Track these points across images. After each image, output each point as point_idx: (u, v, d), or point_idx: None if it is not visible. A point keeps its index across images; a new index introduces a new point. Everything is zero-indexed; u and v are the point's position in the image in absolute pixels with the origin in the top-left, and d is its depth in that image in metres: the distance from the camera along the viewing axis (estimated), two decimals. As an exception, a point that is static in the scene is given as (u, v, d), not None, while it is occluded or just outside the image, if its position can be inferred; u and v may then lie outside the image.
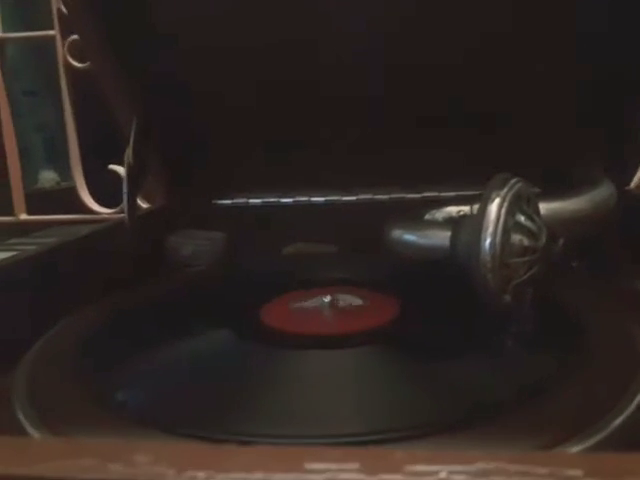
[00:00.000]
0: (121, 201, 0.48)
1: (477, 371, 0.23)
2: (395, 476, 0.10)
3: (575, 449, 0.18)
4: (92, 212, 0.86)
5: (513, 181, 0.23)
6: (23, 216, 0.88)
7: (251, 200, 0.56)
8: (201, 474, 0.11)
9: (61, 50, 0.78)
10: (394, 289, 0.32)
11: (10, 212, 0.90)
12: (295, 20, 0.44)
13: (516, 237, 0.23)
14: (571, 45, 0.38)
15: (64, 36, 0.76)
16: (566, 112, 0.39)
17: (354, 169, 0.52)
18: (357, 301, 0.32)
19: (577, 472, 0.10)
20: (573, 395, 0.21)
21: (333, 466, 0.11)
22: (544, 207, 0.31)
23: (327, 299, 0.31)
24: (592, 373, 0.22)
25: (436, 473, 0.11)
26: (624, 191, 0.45)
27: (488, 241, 0.22)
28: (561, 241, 0.40)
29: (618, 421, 0.19)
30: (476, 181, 0.41)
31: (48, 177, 1.16)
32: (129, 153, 0.44)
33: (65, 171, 1.02)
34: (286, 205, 0.56)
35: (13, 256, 0.35)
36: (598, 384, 0.22)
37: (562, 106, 0.38)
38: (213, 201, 0.56)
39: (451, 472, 0.11)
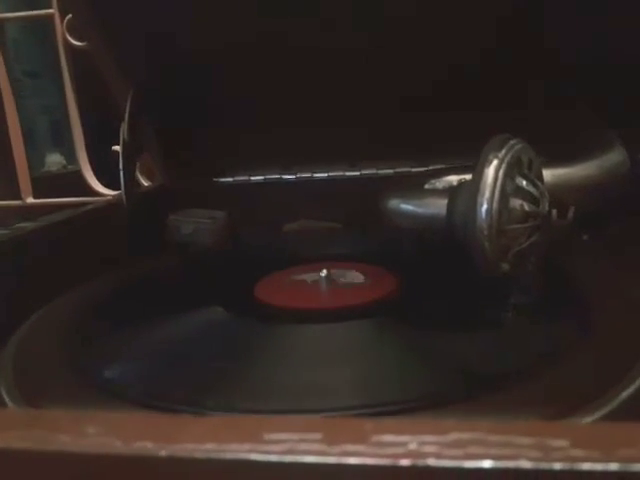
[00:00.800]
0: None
1: (477, 343, 0.22)
2: (359, 447, 0.09)
3: (585, 420, 0.17)
4: (98, 194, 0.85)
5: (512, 142, 0.22)
6: (29, 200, 0.88)
7: (252, 177, 0.55)
8: (149, 444, 0.10)
9: (60, 28, 0.77)
10: (393, 264, 0.31)
11: (17, 196, 0.89)
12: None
13: (516, 202, 0.21)
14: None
15: (63, 14, 0.75)
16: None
17: (357, 143, 0.51)
18: (355, 276, 0.31)
19: (563, 443, 0.09)
20: (579, 367, 0.20)
21: (293, 436, 0.10)
22: (550, 173, 0.30)
23: (323, 274, 0.30)
24: (600, 344, 0.21)
25: (405, 444, 0.10)
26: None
27: (484, 207, 0.21)
28: (571, 211, 0.38)
29: (627, 392, 0.18)
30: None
31: (55, 160, 1.16)
32: (124, 129, 0.43)
33: (72, 154, 1.01)
34: (288, 181, 0.54)
35: (9, 232, 0.35)
36: (606, 355, 0.20)
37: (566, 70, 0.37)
38: (214, 179, 0.55)
39: (422, 443, 0.10)
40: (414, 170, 0.51)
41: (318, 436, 0.10)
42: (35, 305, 0.30)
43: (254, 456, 0.09)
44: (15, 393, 0.20)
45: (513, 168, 0.21)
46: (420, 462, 0.09)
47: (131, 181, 0.44)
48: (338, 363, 0.22)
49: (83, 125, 0.91)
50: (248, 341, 0.24)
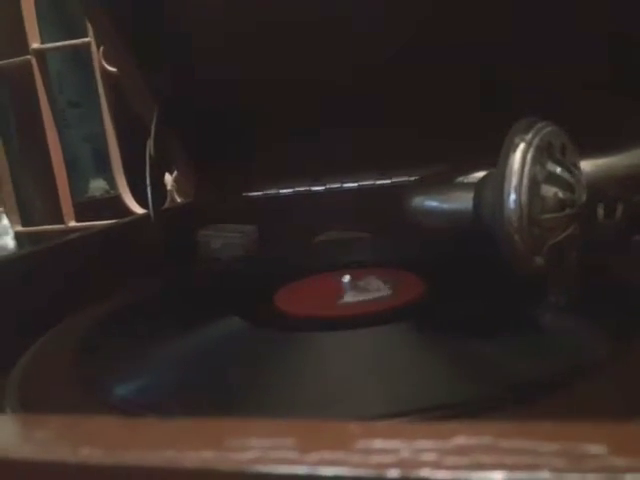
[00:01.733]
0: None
1: (512, 348, 0.20)
2: (339, 454, 0.08)
3: None
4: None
5: (540, 125, 0.20)
6: (72, 223, 0.90)
7: (282, 190, 0.54)
8: (98, 451, 0.08)
9: (97, 56, 0.79)
10: (421, 269, 0.29)
11: (61, 220, 0.92)
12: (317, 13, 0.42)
13: (549, 189, 0.19)
14: None
15: (99, 42, 0.77)
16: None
17: (387, 151, 0.49)
18: (379, 282, 0.29)
19: (599, 449, 0.07)
20: (625, 379, 0.17)
21: (263, 442, 0.08)
22: (591, 163, 0.27)
23: (346, 279, 0.28)
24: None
25: (396, 451, 0.08)
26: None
27: (512, 196, 0.19)
28: (620, 208, 0.35)
29: None
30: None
31: (98, 186, 1.19)
32: (150, 145, 0.43)
33: (114, 179, 1.04)
34: (317, 193, 0.53)
35: (30, 248, 0.35)
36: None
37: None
38: (244, 193, 0.55)
39: (417, 450, 0.08)
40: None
41: (291, 442, 0.08)
42: (57, 318, 0.30)
43: (216, 465, 0.08)
44: (18, 406, 0.19)
45: (543, 152, 0.19)
46: (413, 473, 0.07)
47: (158, 196, 0.44)
48: (364, 371, 0.20)
49: (125, 151, 0.94)
50: (267, 351, 0.23)
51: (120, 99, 0.86)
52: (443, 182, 0.26)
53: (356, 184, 0.52)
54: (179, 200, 0.69)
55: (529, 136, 0.19)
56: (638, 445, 0.07)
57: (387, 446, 0.08)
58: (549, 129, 0.20)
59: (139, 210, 0.90)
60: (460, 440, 0.08)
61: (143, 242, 0.43)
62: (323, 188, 0.53)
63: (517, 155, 0.19)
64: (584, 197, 0.21)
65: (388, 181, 0.51)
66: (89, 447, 0.09)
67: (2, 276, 0.31)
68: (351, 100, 0.47)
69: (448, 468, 0.07)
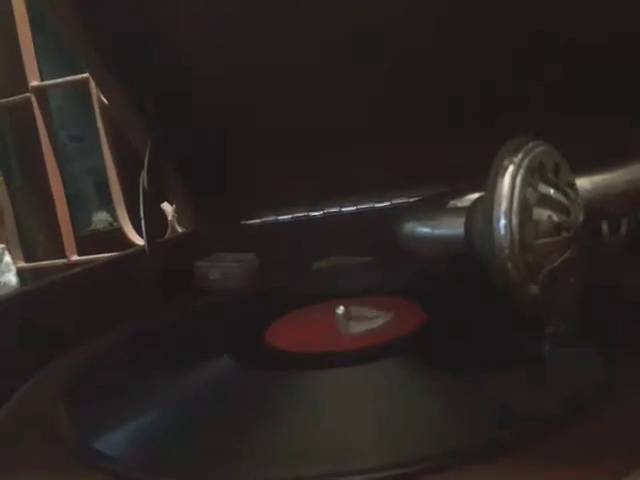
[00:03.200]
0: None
1: (510, 384, 0.19)
2: None
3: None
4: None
5: (531, 144, 0.19)
6: (74, 257, 0.90)
7: (280, 217, 0.54)
8: None
9: (95, 91, 0.80)
10: (420, 297, 0.28)
11: (63, 255, 0.92)
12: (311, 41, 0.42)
13: (542, 212, 0.18)
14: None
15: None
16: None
17: (384, 174, 0.49)
18: (376, 312, 0.28)
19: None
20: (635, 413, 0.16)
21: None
22: (588, 181, 0.26)
23: (340, 311, 0.27)
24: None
25: None
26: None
27: (502, 221, 0.17)
28: (624, 224, 0.34)
29: None
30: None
31: (101, 218, 1.20)
32: (144, 177, 0.43)
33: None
34: (316, 218, 0.53)
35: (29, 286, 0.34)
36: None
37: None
38: (242, 222, 0.54)
39: None
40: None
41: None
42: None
43: None
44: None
45: (534, 174, 0.18)
46: None
47: (153, 228, 0.44)
48: (357, 414, 0.19)
49: (126, 183, 0.94)
50: (254, 394, 0.22)
51: (120, 133, 0.87)
52: (434, 207, 0.25)
53: (354, 208, 0.51)
54: (180, 230, 0.69)
55: (518, 157, 0.18)
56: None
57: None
58: (540, 148, 0.19)
59: (141, 242, 0.90)
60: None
61: (139, 275, 0.42)
62: (322, 213, 0.52)
63: (506, 179, 0.18)
64: (581, 218, 0.19)
65: (387, 203, 0.51)
66: None
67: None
68: (348, 125, 0.47)
69: None
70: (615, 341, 0.20)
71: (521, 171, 0.18)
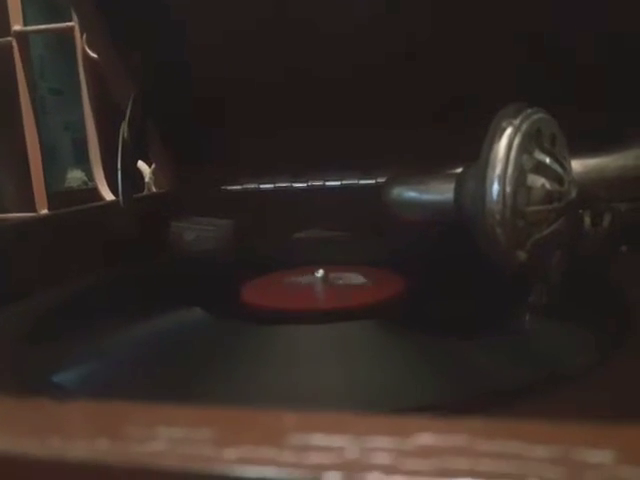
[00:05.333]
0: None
1: (488, 349, 0.18)
2: (265, 451, 0.06)
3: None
4: (113, 208, 0.84)
5: (530, 111, 0.18)
6: (44, 212, 0.87)
7: (262, 185, 0.53)
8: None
9: (79, 41, 0.77)
10: (402, 269, 0.27)
11: (34, 209, 0.89)
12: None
13: (537, 180, 0.18)
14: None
15: (82, 28, 0.75)
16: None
17: (372, 150, 0.48)
18: (355, 278, 0.27)
19: (603, 456, 0.06)
20: (606, 385, 0.16)
21: (173, 432, 0.06)
22: (580, 163, 0.26)
23: (319, 274, 0.27)
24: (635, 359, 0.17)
25: (340, 450, 0.06)
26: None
27: (496, 185, 0.17)
28: (607, 217, 0.34)
29: None
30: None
31: (76, 177, 1.16)
32: (124, 128, 0.41)
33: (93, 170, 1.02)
34: (299, 190, 0.52)
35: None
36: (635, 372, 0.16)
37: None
38: (222, 187, 0.53)
39: (368, 449, 0.06)
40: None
41: (207, 433, 0.06)
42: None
43: (109, 457, 0.06)
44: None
45: (531, 140, 0.18)
46: (356, 477, 0.06)
47: (130, 184, 0.42)
48: (324, 366, 0.19)
49: (104, 142, 0.91)
50: (226, 343, 0.21)
51: (102, 88, 0.84)
52: (424, 172, 0.24)
53: (339, 182, 0.51)
54: (155, 188, 0.67)
55: (517, 121, 0.18)
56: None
57: (329, 442, 0.06)
58: (539, 115, 0.19)
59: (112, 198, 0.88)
60: (425, 439, 0.06)
61: (112, 229, 0.41)
62: (305, 185, 0.52)
63: (503, 141, 0.17)
64: (574, 193, 0.19)
65: (372, 181, 0.50)
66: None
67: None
68: (338, 98, 0.46)
69: (407, 474, 0.06)
70: (593, 316, 0.20)
71: (519, 135, 0.18)
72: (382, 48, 0.43)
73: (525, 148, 0.18)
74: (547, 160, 0.18)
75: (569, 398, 0.15)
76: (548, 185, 0.18)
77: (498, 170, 0.17)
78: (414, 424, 0.06)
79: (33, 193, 0.89)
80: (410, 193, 0.22)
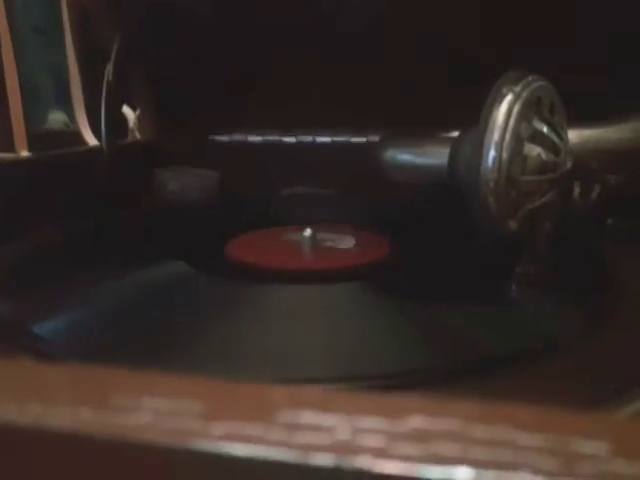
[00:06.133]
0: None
1: (475, 316, 0.18)
2: (254, 427, 0.06)
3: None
4: (95, 152, 0.82)
5: (531, 78, 0.18)
6: (24, 153, 0.85)
7: (250, 137, 0.51)
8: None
9: (62, -26, 0.73)
10: (391, 229, 0.27)
11: (12, 150, 0.87)
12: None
13: (533, 149, 0.18)
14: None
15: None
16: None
17: (364, 109, 0.47)
18: (344, 239, 0.27)
19: (598, 447, 0.06)
20: (591, 357, 0.16)
21: (160, 403, 0.06)
22: (576, 134, 0.26)
23: (307, 234, 0.26)
24: (619, 333, 0.17)
25: (331, 430, 0.06)
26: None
27: (492, 152, 0.17)
28: (596, 190, 0.34)
29: None
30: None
31: (57, 118, 1.12)
32: (109, 70, 0.40)
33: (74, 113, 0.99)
34: (288, 144, 0.51)
35: None
36: (625, 346, 0.17)
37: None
38: (209, 137, 0.52)
39: (360, 430, 0.06)
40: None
41: (195, 406, 0.06)
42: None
43: (91, 428, 0.06)
44: None
45: (531, 108, 0.18)
46: (349, 462, 0.06)
47: (113, 128, 0.41)
48: (309, 328, 0.18)
49: (87, 85, 0.88)
50: (209, 299, 0.21)
51: (86, 29, 0.80)
52: (418, 134, 0.24)
53: (329, 139, 0.50)
54: (139, 135, 0.66)
55: (518, 88, 0.17)
56: None
57: (320, 421, 0.06)
58: (540, 83, 0.18)
59: (95, 141, 0.86)
60: (418, 422, 0.06)
61: (95, 174, 0.40)
62: (294, 140, 0.51)
63: (503, 107, 0.17)
64: (569, 164, 0.19)
65: (363, 139, 0.49)
66: None
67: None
68: (331, 57, 0.44)
69: (397, 458, 0.06)
70: (578, 290, 0.20)
71: (519, 102, 0.17)
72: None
73: (524, 116, 0.17)
74: (545, 129, 0.18)
75: (550, 369, 0.15)
76: (544, 155, 0.18)
77: (496, 136, 0.17)
78: (407, 405, 0.06)
79: (12, 133, 0.86)
80: (404, 155, 0.22)
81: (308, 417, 0.06)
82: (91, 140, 0.93)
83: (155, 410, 0.06)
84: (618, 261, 0.23)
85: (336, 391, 0.06)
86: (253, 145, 0.51)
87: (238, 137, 0.51)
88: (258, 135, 0.51)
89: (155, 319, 0.19)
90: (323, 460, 0.06)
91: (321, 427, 0.06)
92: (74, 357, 0.16)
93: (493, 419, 0.06)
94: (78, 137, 0.99)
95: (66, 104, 1.23)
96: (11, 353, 0.17)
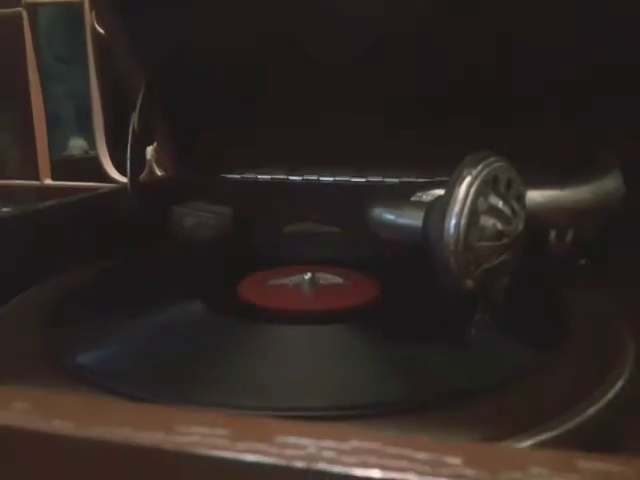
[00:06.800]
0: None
1: (439, 357, 0.22)
2: (261, 445, 0.10)
3: (524, 444, 0.17)
4: (114, 181, 0.87)
5: (490, 160, 0.22)
6: (47, 181, 0.90)
7: (260, 176, 0.56)
8: (69, 424, 0.10)
9: (89, 17, 0.79)
10: (376, 271, 0.31)
11: (36, 177, 0.92)
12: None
13: (488, 220, 0.22)
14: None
15: (92, 3, 0.76)
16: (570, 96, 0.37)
17: (367, 151, 0.51)
18: (338, 281, 0.31)
19: (456, 460, 0.10)
20: (532, 390, 0.20)
21: (203, 430, 0.10)
22: (541, 194, 0.30)
23: (307, 276, 0.31)
24: (560, 369, 0.21)
25: (305, 447, 0.10)
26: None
27: (453, 222, 0.21)
28: (570, 234, 0.38)
29: (575, 421, 0.18)
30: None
31: (77, 145, 1.18)
32: (135, 119, 0.44)
33: (95, 140, 1.04)
34: (294, 183, 0.55)
35: (11, 210, 0.36)
36: (563, 381, 0.21)
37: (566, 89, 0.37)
38: (222, 175, 0.56)
39: (321, 448, 0.10)
40: (418, 181, 0.52)
41: (224, 432, 0.10)
42: (27, 281, 0.31)
43: (164, 445, 0.10)
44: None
45: (487, 186, 0.22)
46: (313, 465, 0.10)
47: (137, 169, 0.45)
48: (302, 365, 0.23)
49: (107, 113, 0.93)
50: (223, 338, 0.25)
51: (108, 60, 0.86)
52: (402, 196, 0.28)
53: (332, 179, 0.54)
54: (157, 170, 0.70)
55: (476, 170, 0.21)
56: (486, 460, 0.10)
57: (298, 442, 0.10)
58: (498, 164, 0.22)
59: (116, 175, 0.91)
60: (354, 443, 0.10)
61: (119, 213, 0.44)
62: (300, 179, 0.55)
63: (462, 187, 0.21)
64: (520, 228, 0.23)
65: (363, 180, 0.53)
66: (60, 419, 0.11)
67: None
68: (335, 99, 0.48)
69: (342, 464, 0.10)
70: (532, 334, 0.24)
71: (476, 182, 0.21)
72: (384, 43, 0.45)
73: (481, 193, 0.22)
74: (500, 204, 0.22)
75: (503, 401, 0.19)
76: (499, 225, 0.22)
77: (456, 209, 0.21)
78: (349, 432, 0.10)
79: (37, 161, 0.91)
80: (388, 215, 0.26)
81: (292, 439, 0.10)
82: (109, 166, 0.98)
83: (201, 434, 0.10)
84: (574, 302, 0.27)
85: (307, 424, 0.11)
86: (262, 183, 0.55)
87: (248, 176, 0.56)
88: (267, 174, 0.55)
89: (176, 355, 0.23)
90: (299, 465, 0.10)
91: (299, 445, 0.10)
92: (107, 382, 0.21)
93: (399, 443, 0.10)
94: (96, 163, 1.04)
95: (86, 131, 1.29)
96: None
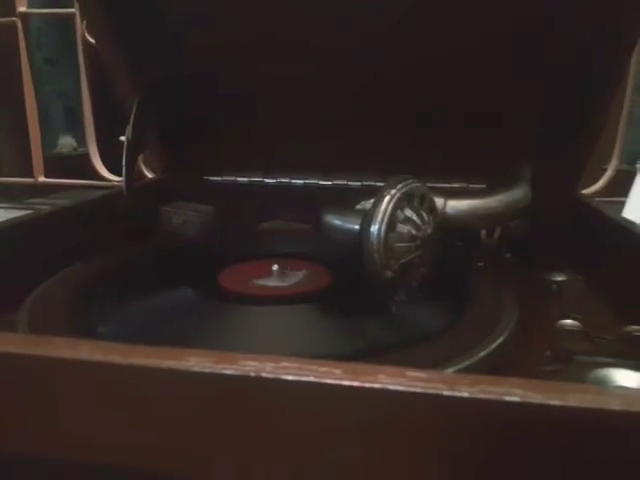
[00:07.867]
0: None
1: (375, 325, 0.31)
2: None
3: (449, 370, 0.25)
4: (102, 178, 0.93)
5: (407, 182, 0.30)
6: (41, 179, 0.96)
7: (239, 178, 0.63)
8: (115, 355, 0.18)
9: (80, 27, 0.84)
10: (330, 263, 0.39)
11: (30, 174, 0.97)
12: (290, 12, 0.49)
13: (404, 227, 0.29)
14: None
15: (83, 14, 0.82)
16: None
17: (334, 157, 0.58)
18: (300, 270, 0.39)
19: (337, 371, 0.17)
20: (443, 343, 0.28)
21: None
22: (466, 203, 0.38)
23: (275, 267, 0.38)
24: (465, 326, 0.29)
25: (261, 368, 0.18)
26: (576, 195, 0.52)
27: (375, 228, 0.29)
28: (497, 232, 0.47)
29: (479, 356, 0.26)
30: (449, 174, 0.48)
31: (66, 143, 1.24)
32: (129, 130, 0.51)
33: (83, 138, 1.10)
34: (269, 185, 0.62)
35: (14, 218, 0.41)
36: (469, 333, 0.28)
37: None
38: (204, 177, 0.63)
39: (279, 367, 0.18)
40: (378, 184, 0.59)
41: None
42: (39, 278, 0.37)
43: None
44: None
45: (404, 202, 0.29)
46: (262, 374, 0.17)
47: (132, 175, 0.52)
48: (271, 336, 0.30)
49: (94, 112, 1.00)
50: (207, 318, 0.32)
51: (97, 64, 0.92)
52: (353, 206, 0.35)
53: (302, 182, 0.62)
54: (145, 170, 0.77)
55: (393, 191, 0.29)
56: (357, 372, 0.17)
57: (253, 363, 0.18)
58: (413, 185, 0.30)
59: (105, 172, 0.97)
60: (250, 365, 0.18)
61: (116, 214, 0.51)
62: (274, 181, 0.62)
63: (383, 203, 0.29)
64: (429, 231, 0.31)
65: (329, 183, 0.61)
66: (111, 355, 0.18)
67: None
68: (310, 111, 0.55)
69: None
70: (441, 307, 0.32)
71: (393, 200, 0.29)
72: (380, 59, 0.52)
73: (398, 206, 0.29)
74: (414, 216, 0.30)
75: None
76: (413, 231, 0.30)
77: (378, 219, 0.29)
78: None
79: (30, 159, 0.97)
80: (336, 221, 0.34)
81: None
82: (97, 162, 1.03)
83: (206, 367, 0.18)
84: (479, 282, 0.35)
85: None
86: (241, 185, 0.63)
87: (228, 178, 0.63)
88: (245, 177, 0.63)
89: (164, 331, 0.31)
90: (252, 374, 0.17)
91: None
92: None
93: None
94: (85, 160, 1.10)
95: (74, 129, 1.35)
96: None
